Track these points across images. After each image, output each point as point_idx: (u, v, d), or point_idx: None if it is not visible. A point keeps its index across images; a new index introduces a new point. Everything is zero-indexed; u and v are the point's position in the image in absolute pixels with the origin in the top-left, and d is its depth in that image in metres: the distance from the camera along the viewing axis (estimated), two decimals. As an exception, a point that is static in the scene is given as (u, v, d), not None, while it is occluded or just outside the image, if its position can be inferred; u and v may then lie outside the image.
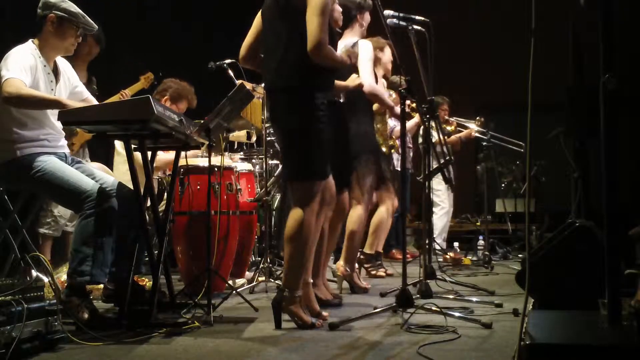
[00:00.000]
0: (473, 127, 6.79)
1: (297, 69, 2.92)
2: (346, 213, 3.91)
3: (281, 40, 2.96)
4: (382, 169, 4.49)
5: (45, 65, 3.25)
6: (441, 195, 6.95)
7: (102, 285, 3.34)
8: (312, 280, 3.18)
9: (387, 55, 4.63)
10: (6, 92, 3.05)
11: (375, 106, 4.54)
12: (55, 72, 3.33)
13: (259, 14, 3.16)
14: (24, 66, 3.11)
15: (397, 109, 4.38)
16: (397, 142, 5.07)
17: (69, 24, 3.26)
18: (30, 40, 3.26)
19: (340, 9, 3.62)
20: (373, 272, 5.01)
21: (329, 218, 3.43)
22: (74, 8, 3.28)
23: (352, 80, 3.80)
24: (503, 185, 7.62)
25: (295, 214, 2.92)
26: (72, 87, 3.43)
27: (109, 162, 4.39)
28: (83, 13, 3.30)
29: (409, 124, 5.43)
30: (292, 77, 2.94)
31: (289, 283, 2.93)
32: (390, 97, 4.62)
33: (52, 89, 3.28)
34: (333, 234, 3.77)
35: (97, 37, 4.46)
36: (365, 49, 4.06)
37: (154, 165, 3.80)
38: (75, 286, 3.00)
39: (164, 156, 4.13)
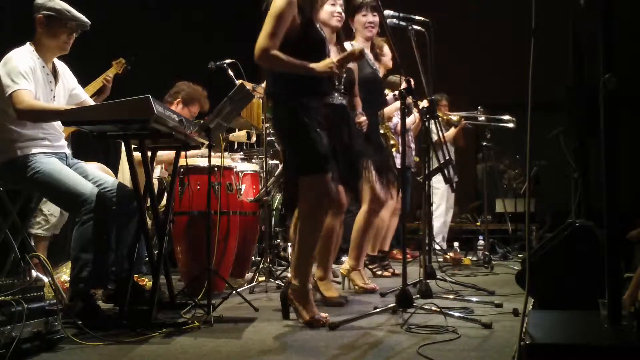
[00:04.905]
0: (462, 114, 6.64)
1: (281, 74, 2.96)
2: (343, 212, 3.86)
3: None
4: (386, 169, 4.45)
5: (44, 66, 3.24)
6: (438, 195, 6.92)
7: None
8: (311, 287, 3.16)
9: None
10: (17, 109, 3.04)
11: None
12: (54, 73, 3.33)
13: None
14: (25, 72, 3.10)
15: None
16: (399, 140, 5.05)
17: (57, 22, 3.23)
18: (27, 43, 3.25)
19: (335, 8, 3.59)
20: (379, 273, 5.04)
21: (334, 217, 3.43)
22: (61, 5, 3.24)
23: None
24: (510, 183, 7.62)
25: (302, 209, 2.96)
26: (70, 90, 3.43)
27: (108, 162, 4.38)
28: (71, 9, 3.26)
29: (410, 119, 5.40)
30: (277, 82, 3.00)
31: (298, 276, 2.95)
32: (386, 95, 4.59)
33: (51, 90, 3.27)
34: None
35: None
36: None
37: (158, 158, 3.77)
38: (78, 293, 2.99)
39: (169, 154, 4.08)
